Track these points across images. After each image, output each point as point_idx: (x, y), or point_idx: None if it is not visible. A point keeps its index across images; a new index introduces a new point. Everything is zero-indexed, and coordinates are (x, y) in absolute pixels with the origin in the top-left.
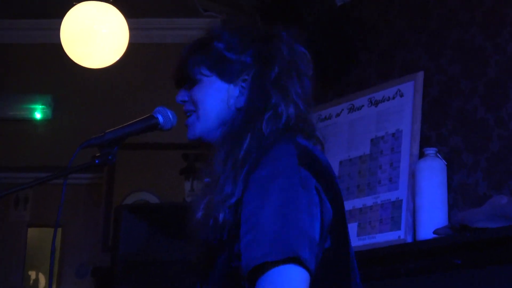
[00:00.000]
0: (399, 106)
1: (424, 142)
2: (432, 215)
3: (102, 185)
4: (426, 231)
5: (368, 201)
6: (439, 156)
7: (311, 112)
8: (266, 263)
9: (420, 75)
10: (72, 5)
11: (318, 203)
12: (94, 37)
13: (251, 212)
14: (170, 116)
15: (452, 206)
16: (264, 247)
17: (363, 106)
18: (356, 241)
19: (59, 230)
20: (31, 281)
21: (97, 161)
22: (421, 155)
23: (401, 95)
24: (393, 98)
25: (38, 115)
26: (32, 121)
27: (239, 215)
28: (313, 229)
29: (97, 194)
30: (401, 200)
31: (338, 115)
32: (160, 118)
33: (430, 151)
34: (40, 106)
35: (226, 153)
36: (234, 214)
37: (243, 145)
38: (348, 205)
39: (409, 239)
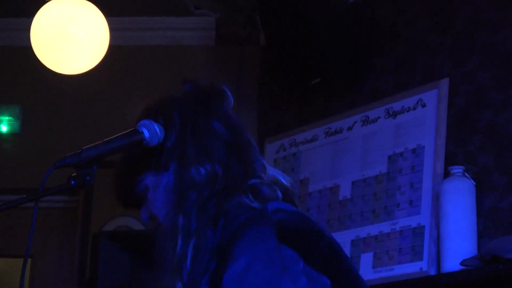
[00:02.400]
0: (420, 118)
1: (449, 160)
2: (458, 244)
3: (78, 209)
4: (452, 262)
5: (385, 227)
6: (467, 175)
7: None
8: None
9: (445, 83)
10: (44, 3)
11: (307, 284)
12: (70, 39)
13: None
14: (157, 130)
15: (482, 233)
16: None
17: (379, 118)
18: (371, 274)
19: (29, 261)
20: None
21: (73, 183)
22: (446, 174)
23: (423, 106)
24: (414, 108)
25: (4, 128)
26: None
27: None
28: None
29: (72, 219)
30: (423, 227)
31: (350, 128)
32: (146, 133)
33: (457, 170)
34: (6, 118)
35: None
36: None
37: (194, 236)
38: (363, 232)
39: (432, 272)
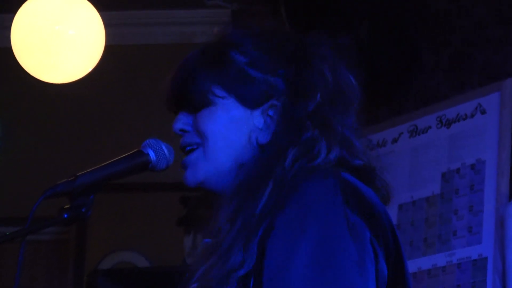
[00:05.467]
0: (480, 127)
1: None
2: None
3: (70, 242)
4: None
5: (440, 260)
6: None
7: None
8: None
9: (509, 83)
10: None
11: (373, 260)
12: (57, 39)
13: (275, 270)
14: (166, 151)
15: None
16: None
17: (430, 127)
18: None
19: None
20: None
21: (66, 216)
22: None
23: (483, 112)
24: (472, 116)
25: None
26: None
27: None
28: None
29: (63, 254)
30: (486, 258)
31: (395, 140)
32: (152, 155)
33: None
34: None
35: (237, 206)
36: None
37: (261, 197)
38: (412, 266)
39: None
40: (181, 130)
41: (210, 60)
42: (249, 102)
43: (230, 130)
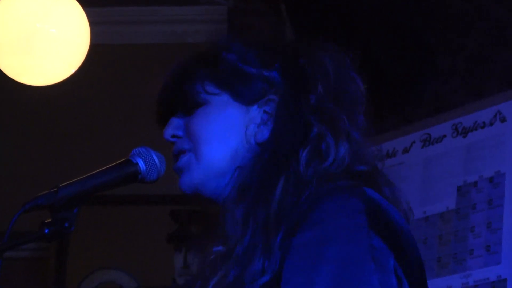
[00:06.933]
0: (498, 137)
1: None
2: None
3: (49, 260)
4: None
5: (455, 281)
6: None
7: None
8: None
9: None
10: None
11: None
12: (38, 37)
13: None
14: (157, 161)
15: None
16: None
17: (444, 136)
18: None
19: None
20: None
21: (47, 231)
22: None
23: (502, 120)
24: (490, 124)
25: None
26: None
27: None
28: None
29: (42, 273)
30: (505, 280)
31: (406, 150)
32: (142, 165)
33: None
34: None
35: (246, 210)
36: None
37: (273, 196)
38: None
39: None
40: (173, 136)
41: (201, 61)
42: (244, 98)
43: (225, 128)
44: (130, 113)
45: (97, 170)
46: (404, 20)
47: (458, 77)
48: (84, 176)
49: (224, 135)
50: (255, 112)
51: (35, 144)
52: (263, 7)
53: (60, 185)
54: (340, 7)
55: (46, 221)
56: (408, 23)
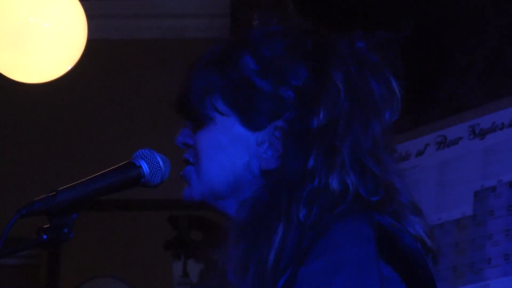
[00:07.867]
0: None
1: None
2: None
3: (41, 267)
4: None
5: None
6: None
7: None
8: None
9: None
10: None
11: None
12: (32, 32)
13: None
14: (161, 163)
15: None
16: None
17: (461, 138)
18: None
19: None
20: None
21: (45, 238)
22: None
23: None
24: (509, 125)
25: None
26: None
27: None
28: None
29: (33, 282)
30: None
31: (420, 153)
32: (145, 167)
33: None
34: None
35: (245, 252)
36: None
37: (274, 238)
38: None
39: None
40: (183, 143)
41: (216, 62)
42: (252, 123)
43: (227, 153)
44: (129, 112)
45: (98, 173)
46: (419, 16)
47: (476, 75)
48: (84, 179)
49: (225, 160)
50: (262, 139)
51: (30, 143)
52: (269, 1)
53: (58, 189)
54: (352, 4)
55: (43, 227)
56: (423, 19)
